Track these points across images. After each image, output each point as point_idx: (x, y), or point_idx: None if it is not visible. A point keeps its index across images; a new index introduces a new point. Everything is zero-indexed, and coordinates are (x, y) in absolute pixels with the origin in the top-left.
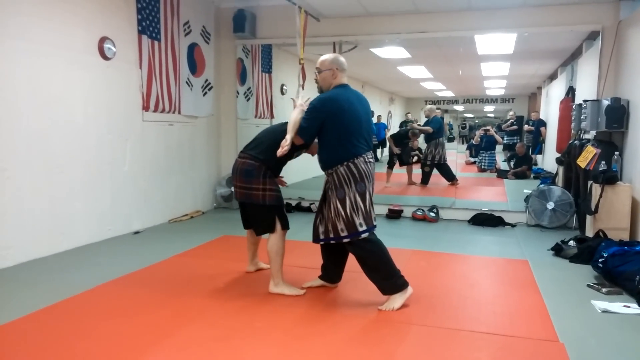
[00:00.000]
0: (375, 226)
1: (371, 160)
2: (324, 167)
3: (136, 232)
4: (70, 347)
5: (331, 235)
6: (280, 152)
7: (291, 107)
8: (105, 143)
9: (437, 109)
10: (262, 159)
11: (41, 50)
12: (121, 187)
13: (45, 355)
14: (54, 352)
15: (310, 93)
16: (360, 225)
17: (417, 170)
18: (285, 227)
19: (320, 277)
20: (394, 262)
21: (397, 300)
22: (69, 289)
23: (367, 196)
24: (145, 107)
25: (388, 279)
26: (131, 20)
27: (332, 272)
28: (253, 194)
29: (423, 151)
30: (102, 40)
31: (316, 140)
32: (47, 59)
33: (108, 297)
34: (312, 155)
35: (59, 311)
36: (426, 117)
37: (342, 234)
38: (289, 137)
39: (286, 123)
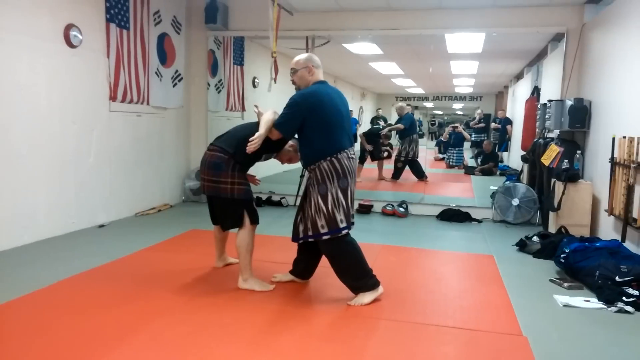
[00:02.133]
0: (353, 224)
1: (353, 156)
2: (305, 163)
3: (101, 226)
4: (31, 344)
5: (310, 233)
6: (250, 147)
7: (261, 101)
8: (70, 133)
9: (408, 105)
10: (231, 152)
11: (4, 36)
12: (86, 179)
13: (5, 351)
14: (13, 349)
15: (283, 87)
16: (341, 221)
17: (387, 166)
18: (255, 221)
19: (291, 272)
20: (366, 261)
21: (367, 297)
22: (30, 284)
23: (349, 192)
24: (113, 97)
25: (359, 279)
26: (99, 8)
27: (304, 268)
28: (221, 188)
29: (395, 146)
30: (68, 27)
31: (287, 147)
32: (10, 46)
33: (71, 292)
34: (282, 163)
35: (19, 307)
36: (398, 114)
37: (322, 231)
38: (261, 133)
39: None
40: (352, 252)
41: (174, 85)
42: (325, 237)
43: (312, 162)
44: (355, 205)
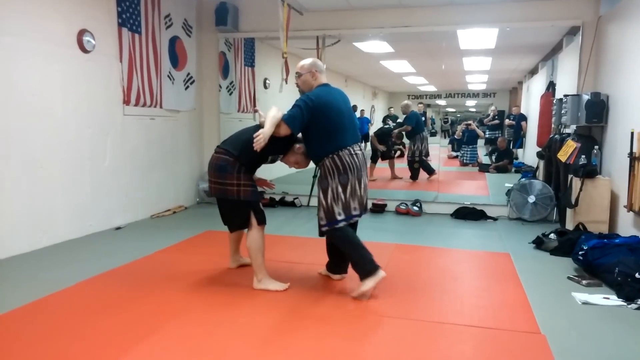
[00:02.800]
0: (358, 215)
1: (358, 152)
2: (313, 161)
3: (118, 228)
4: (52, 345)
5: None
6: (256, 145)
7: (273, 102)
8: (86, 138)
9: (420, 103)
10: (236, 154)
11: (19, 43)
12: (102, 182)
13: (25, 353)
14: (34, 350)
15: (294, 87)
16: (339, 214)
17: (399, 165)
18: (262, 222)
19: (326, 266)
20: (365, 248)
21: (367, 284)
22: (49, 286)
23: (349, 187)
24: (126, 101)
25: (357, 265)
26: (111, 13)
27: (331, 263)
28: (228, 190)
29: (407, 145)
30: (81, 32)
31: (295, 149)
32: (25, 52)
33: (90, 294)
34: (289, 166)
35: (39, 309)
36: (403, 113)
37: (321, 222)
38: (266, 129)
39: None
40: (344, 238)
41: (186, 88)
42: (323, 229)
43: (318, 159)
44: (369, 205)
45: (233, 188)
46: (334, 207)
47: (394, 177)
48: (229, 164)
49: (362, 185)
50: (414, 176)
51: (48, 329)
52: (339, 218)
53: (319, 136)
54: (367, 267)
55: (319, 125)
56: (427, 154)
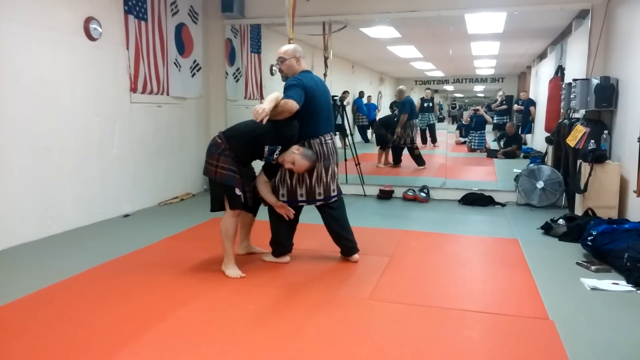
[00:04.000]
0: (322, 199)
1: (329, 141)
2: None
3: (126, 215)
4: (62, 331)
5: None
6: (259, 116)
7: (279, 88)
8: (93, 125)
9: (427, 89)
10: (225, 137)
11: (26, 31)
12: (110, 170)
13: (36, 339)
14: (45, 336)
15: None
16: (301, 195)
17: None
18: (234, 207)
19: (340, 253)
20: (286, 235)
21: (269, 257)
22: (59, 273)
23: (314, 174)
24: (133, 89)
25: (273, 242)
26: (117, 0)
27: (342, 248)
28: (209, 169)
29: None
30: (88, 20)
31: (293, 149)
32: (32, 40)
33: (99, 280)
34: (285, 167)
35: (49, 295)
36: (397, 99)
37: (282, 199)
38: (266, 105)
39: None
40: (272, 218)
41: (192, 75)
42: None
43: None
44: (376, 191)
45: (212, 168)
46: (297, 188)
47: (386, 162)
48: (215, 145)
49: (330, 173)
50: (420, 162)
51: (57, 316)
52: (300, 199)
53: (299, 121)
54: (277, 249)
55: (300, 111)
56: (413, 142)
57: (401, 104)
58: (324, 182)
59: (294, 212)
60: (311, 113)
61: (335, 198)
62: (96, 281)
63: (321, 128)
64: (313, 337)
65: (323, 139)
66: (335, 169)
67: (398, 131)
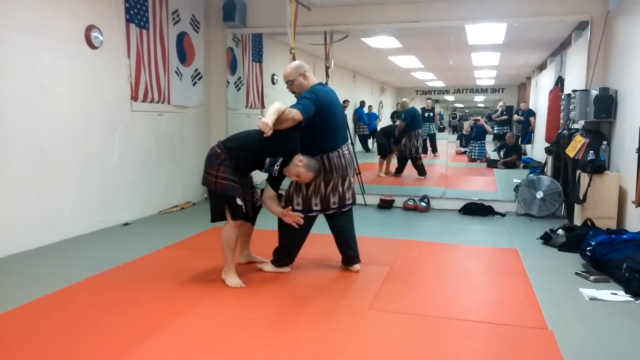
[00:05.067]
0: (336, 208)
1: (345, 152)
2: (307, 152)
3: (126, 224)
4: (61, 340)
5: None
6: (263, 127)
7: (280, 98)
8: (93, 133)
9: (428, 99)
10: (225, 148)
11: (26, 39)
12: (110, 178)
13: (35, 348)
14: (43, 345)
15: None
16: (316, 205)
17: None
18: (237, 217)
19: (342, 262)
20: (297, 246)
21: (269, 267)
22: (58, 281)
23: (331, 184)
24: (134, 97)
25: (279, 252)
26: (118, 9)
27: (344, 257)
28: (208, 179)
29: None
30: (89, 28)
31: (296, 161)
32: (33, 48)
33: (98, 289)
34: (291, 179)
35: (48, 304)
36: (401, 109)
37: (296, 208)
38: (268, 120)
39: None
40: (283, 229)
41: (193, 84)
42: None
43: (312, 153)
44: (377, 200)
45: (212, 178)
46: (312, 197)
47: (387, 172)
48: (215, 155)
49: (347, 183)
50: (422, 172)
51: (56, 324)
52: (315, 208)
53: (313, 134)
54: (280, 259)
55: (316, 124)
56: (417, 152)
57: (404, 113)
58: (340, 192)
59: (302, 218)
60: (328, 126)
61: (349, 206)
62: (96, 290)
63: (339, 140)
64: (313, 347)
65: (341, 152)
66: (352, 179)
67: (402, 141)
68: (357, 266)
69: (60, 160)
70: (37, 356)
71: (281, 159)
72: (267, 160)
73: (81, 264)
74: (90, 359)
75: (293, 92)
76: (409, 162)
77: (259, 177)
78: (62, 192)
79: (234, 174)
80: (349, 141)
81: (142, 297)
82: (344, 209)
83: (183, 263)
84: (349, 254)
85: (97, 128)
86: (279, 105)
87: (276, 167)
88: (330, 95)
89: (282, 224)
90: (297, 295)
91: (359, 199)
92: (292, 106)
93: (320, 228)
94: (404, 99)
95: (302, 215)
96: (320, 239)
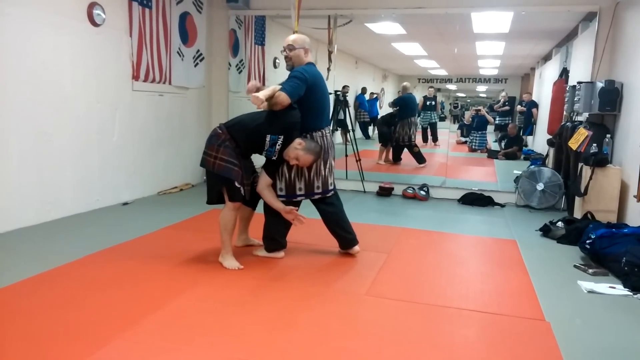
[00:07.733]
0: (320, 193)
1: (327, 134)
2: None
3: (125, 203)
4: (58, 316)
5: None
6: (254, 100)
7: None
8: (94, 112)
9: (430, 87)
10: (226, 127)
11: (28, 14)
12: (110, 157)
13: (32, 324)
14: (41, 321)
15: None
16: (300, 189)
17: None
18: (233, 199)
19: (339, 247)
20: (281, 233)
21: (262, 252)
22: (56, 258)
23: (314, 167)
24: (135, 77)
25: (266, 238)
26: None
27: (340, 241)
28: (206, 160)
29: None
30: (92, 5)
31: (295, 144)
32: (34, 24)
33: (96, 267)
34: (290, 163)
35: (46, 280)
36: (401, 94)
37: (280, 193)
38: (262, 95)
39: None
40: (267, 215)
41: (195, 65)
42: (280, 199)
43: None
44: (376, 188)
45: (210, 159)
46: (295, 182)
47: (387, 159)
48: (215, 135)
49: (327, 166)
50: (420, 160)
51: (53, 301)
52: (299, 193)
53: (303, 114)
54: (270, 245)
55: (305, 103)
56: (410, 140)
57: (398, 98)
58: (322, 175)
59: (304, 219)
60: (316, 106)
61: (332, 192)
62: (93, 268)
63: (324, 121)
64: (308, 330)
65: (324, 132)
66: (333, 162)
67: (396, 129)
68: (357, 247)
69: (61, 138)
70: (33, 332)
71: (282, 137)
72: (268, 139)
73: (79, 242)
74: (85, 336)
75: (288, 60)
76: (406, 150)
77: (259, 162)
78: (62, 169)
79: (233, 156)
80: (333, 126)
81: (140, 276)
82: (327, 194)
83: (181, 244)
84: (347, 237)
85: (97, 106)
86: (274, 86)
87: (278, 147)
88: (320, 77)
89: (267, 209)
90: (295, 280)
91: (359, 186)
92: (282, 84)
93: (317, 213)
94: (404, 83)
95: (303, 215)
96: (317, 224)
